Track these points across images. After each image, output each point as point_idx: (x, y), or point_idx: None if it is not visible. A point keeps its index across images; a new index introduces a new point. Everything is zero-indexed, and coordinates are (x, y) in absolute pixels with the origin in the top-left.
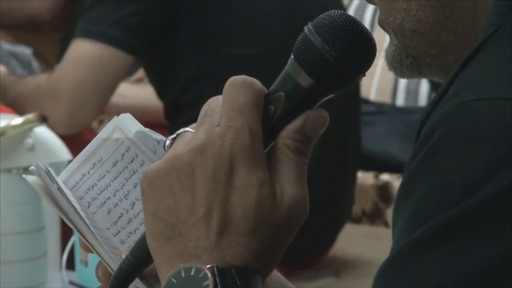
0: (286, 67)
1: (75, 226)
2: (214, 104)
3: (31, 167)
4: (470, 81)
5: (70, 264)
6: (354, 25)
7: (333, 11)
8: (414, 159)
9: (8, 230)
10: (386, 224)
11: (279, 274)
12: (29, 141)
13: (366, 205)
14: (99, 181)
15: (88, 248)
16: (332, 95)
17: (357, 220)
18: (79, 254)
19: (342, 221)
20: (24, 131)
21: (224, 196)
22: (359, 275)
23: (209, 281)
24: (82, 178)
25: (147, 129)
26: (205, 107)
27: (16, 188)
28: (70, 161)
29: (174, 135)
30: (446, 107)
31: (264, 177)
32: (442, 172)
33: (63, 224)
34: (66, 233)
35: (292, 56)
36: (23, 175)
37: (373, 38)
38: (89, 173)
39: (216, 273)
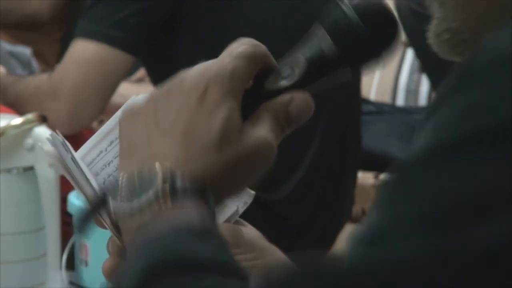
0: (310, 33)
1: (88, 197)
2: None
3: (47, 136)
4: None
5: (70, 264)
6: (385, 8)
7: None
8: (450, 77)
9: (8, 230)
10: None
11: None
12: (29, 141)
13: (366, 205)
14: (115, 158)
15: (102, 224)
16: (348, 69)
17: (357, 220)
18: (79, 254)
19: (342, 221)
20: (24, 131)
21: (192, 110)
22: None
23: (158, 178)
24: (99, 154)
25: None
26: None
27: (16, 188)
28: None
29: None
30: (489, 36)
31: (236, 105)
32: (479, 90)
33: (63, 224)
34: (66, 233)
35: (320, 24)
36: (39, 144)
37: (399, 25)
38: (106, 150)
39: (167, 172)
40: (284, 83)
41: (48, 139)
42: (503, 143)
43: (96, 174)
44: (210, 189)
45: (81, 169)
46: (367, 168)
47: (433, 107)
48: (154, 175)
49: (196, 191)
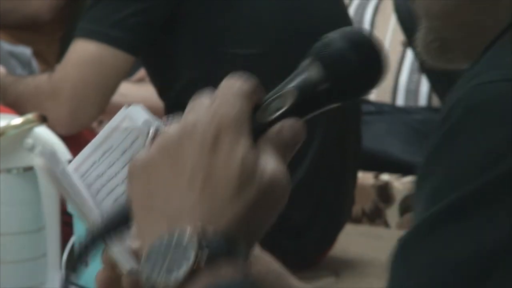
0: (302, 65)
1: (79, 209)
2: (204, 95)
3: (38, 149)
4: (491, 62)
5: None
6: (374, 43)
7: (359, 27)
8: (433, 139)
9: (8, 230)
10: (386, 224)
11: (270, 259)
12: (29, 141)
13: (366, 205)
14: (108, 169)
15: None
16: (337, 104)
17: (357, 220)
18: None
19: (342, 221)
20: (24, 131)
21: (209, 159)
22: (359, 275)
23: (194, 242)
24: (92, 165)
25: (155, 118)
26: (194, 99)
27: (16, 188)
28: (70, 161)
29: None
30: (467, 87)
31: (249, 145)
32: (461, 150)
33: (63, 224)
34: (66, 233)
35: (313, 57)
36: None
37: (386, 61)
38: (99, 161)
39: (200, 234)
40: (275, 115)
41: (40, 151)
42: (489, 203)
43: (89, 185)
44: (241, 242)
45: (72, 181)
46: (367, 168)
47: (424, 170)
48: (188, 242)
49: (231, 251)
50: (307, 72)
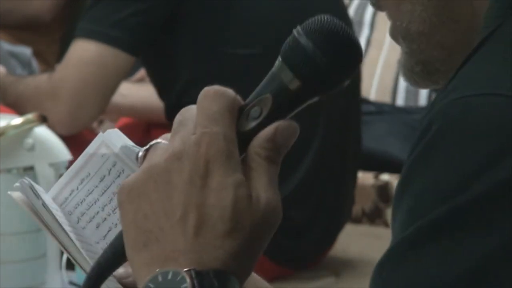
0: (273, 69)
1: (60, 242)
2: (187, 114)
3: (16, 184)
4: (466, 78)
5: (70, 264)
6: (343, 30)
7: (322, 15)
8: (411, 154)
9: (8, 230)
10: (386, 224)
11: (258, 277)
12: (29, 141)
13: (366, 205)
14: (87, 196)
15: (75, 263)
16: (316, 98)
17: (357, 220)
18: None
19: (342, 221)
20: (24, 131)
21: (200, 198)
22: (359, 275)
23: (187, 284)
24: (71, 193)
25: (132, 143)
26: (178, 117)
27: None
28: (70, 161)
29: (147, 147)
30: (442, 103)
31: (239, 179)
32: (438, 167)
33: None
34: None
35: (280, 59)
36: (8, 192)
37: (359, 44)
38: (77, 189)
39: (193, 276)
40: (256, 122)
41: (16, 186)
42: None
43: (69, 214)
44: (234, 279)
45: (52, 213)
46: (367, 168)
47: (401, 187)
48: (182, 284)
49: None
50: (278, 74)
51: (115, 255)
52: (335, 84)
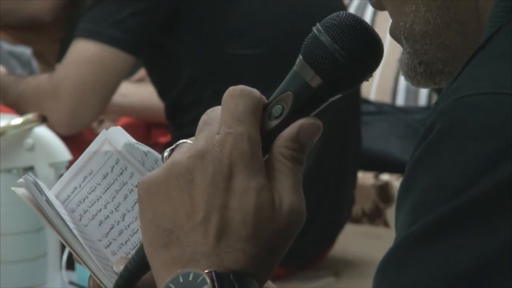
0: (295, 67)
1: (64, 238)
2: (213, 114)
3: (20, 180)
4: (469, 77)
5: (70, 264)
6: (363, 25)
7: (341, 12)
8: (414, 154)
9: (8, 230)
10: (386, 224)
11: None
12: (29, 141)
13: (366, 205)
14: (90, 193)
15: (78, 259)
16: (339, 95)
17: (357, 220)
18: None
19: (342, 221)
20: (24, 131)
21: (223, 201)
22: (359, 275)
23: (208, 286)
24: (73, 191)
25: (135, 141)
26: (204, 117)
27: None
28: (70, 161)
29: (173, 146)
30: (445, 102)
31: (262, 183)
32: (440, 166)
33: None
34: None
35: (301, 56)
36: (12, 188)
37: (380, 39)
38: (80, 186)
39: (214, 278)
40: (277, 121)
41: (20, 182)
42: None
43: (72, 211)
44: (254, 282)
45: (56, 210)
46: (367, 168)
47: (404, 186)
48: (202, 286)
49: None
50: (299, 71)
51: (143, 261)
52: (357, 80)
